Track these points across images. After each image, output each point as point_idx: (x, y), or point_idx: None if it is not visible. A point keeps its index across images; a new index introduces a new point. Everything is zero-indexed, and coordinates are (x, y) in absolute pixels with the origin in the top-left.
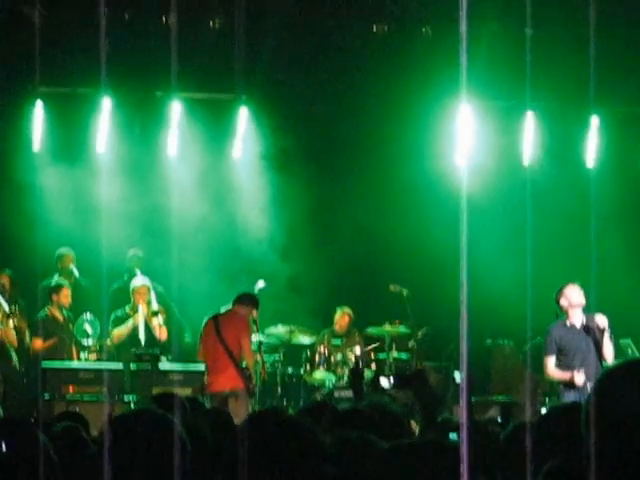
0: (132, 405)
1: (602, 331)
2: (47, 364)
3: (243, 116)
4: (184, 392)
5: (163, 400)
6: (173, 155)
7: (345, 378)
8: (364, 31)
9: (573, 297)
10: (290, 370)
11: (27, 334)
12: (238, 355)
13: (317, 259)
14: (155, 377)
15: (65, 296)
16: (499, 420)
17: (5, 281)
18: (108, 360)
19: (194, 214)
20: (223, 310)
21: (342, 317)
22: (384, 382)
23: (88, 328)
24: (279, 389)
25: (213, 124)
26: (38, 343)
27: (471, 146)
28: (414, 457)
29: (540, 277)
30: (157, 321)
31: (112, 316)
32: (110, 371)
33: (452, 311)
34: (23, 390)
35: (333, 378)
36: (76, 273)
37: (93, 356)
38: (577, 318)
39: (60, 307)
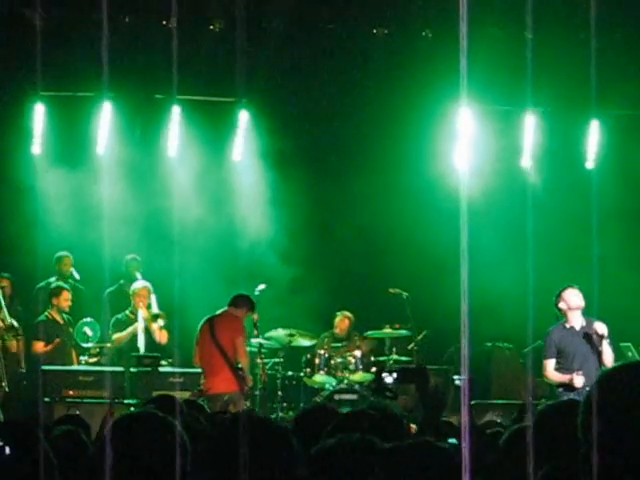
0: (132, 408)
1: (601, 338)
2: (47, 367)
3: (243, 119)
4: (184, 395)
5: (163, 403)
6: (173, 158)
7: (345, 381)
8: (364, 34)
9: (572, 300)
10: (290, 373)
11: (21, 340)
12: (233, 356)
13: (317, 262)
14: (155, 380)
15: (65, 300)
16: (499, 421)
17: (6, 284)
18: (108, 363)
19: (194, 217)
20: (218, 312)
21: (342, 320)
22: (387, 377)
23: (88, 331)
24: (279, 392)
25: (213, 127)
26: (39, 346)
27: (471, 149)
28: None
29: (541, 280)
30: (157, 325)
31: (113, 319)
32: (110, 374)
33: (452, 314)
34: (23, 393)
35: (333, 381)
36: (76, 276)
37: (93, 359)
38: (577, 321)
39: (60, 310)
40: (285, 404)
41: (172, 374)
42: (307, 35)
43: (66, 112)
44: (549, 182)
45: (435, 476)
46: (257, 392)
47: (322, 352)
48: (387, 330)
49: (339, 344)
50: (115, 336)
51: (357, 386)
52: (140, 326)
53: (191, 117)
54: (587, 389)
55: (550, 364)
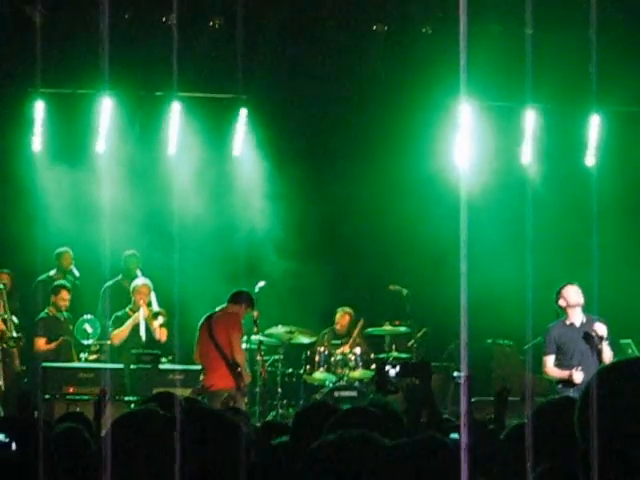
0: (132, 405)
1: (601, 339)
2: (47, 364)
3: (243, 115)
4: (185, 392)
5: (163, 400)
6: (173, 155)
7: (345, 378)
8: (364, 31)
9: (571, 297)
10: (290, 370)
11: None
12: (230, 353)
13: (317, 258)
14: (155, 377)
15: (62, 299)
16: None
17: (6, 280)
18: (109, 360)
19: (194, 213)
20: (218, 309)
21: (343, 317)
22: (390, 370)
23: (88, 328)
24: (279, 389)
25: (213, 123)
26: (41, 343)
27: (471, 146)
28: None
29: (541, 277)
30: (157, 323)
31: (112, 317)
32: (110, 371)
33: (452, 311)
34: (23, 389)
35: (333, 378)
36: (76, 274)
37: (93, 356)
38: (577, 318)
39: (58, 308)
40: (285, 401)
41: (172, 371)
42: (307, 32)
43: (66, 109)
44: (549, 178)
45: (442, 472)
46: (257, 389)
47: (322, 349)
48: (387, 327)
49: (339, 341)
50: (115, 332)
51: (357, 383)
52: (140, 323)
53: (191, 114)
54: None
55: (550, 360)
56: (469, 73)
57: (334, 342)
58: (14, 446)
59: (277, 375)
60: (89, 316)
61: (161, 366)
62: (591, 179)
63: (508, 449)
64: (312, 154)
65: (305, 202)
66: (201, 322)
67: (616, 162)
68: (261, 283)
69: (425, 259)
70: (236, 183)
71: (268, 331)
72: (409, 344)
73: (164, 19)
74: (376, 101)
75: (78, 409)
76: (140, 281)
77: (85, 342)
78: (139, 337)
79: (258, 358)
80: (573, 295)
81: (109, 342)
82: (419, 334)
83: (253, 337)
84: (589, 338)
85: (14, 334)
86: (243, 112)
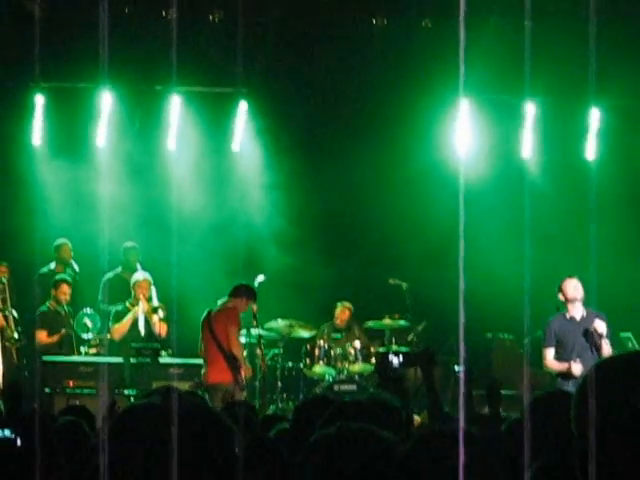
0: (132, 399)
1: (600, 336)
2: (47, 358)
3: (243, 109)
4: (185, 386)
5: (165, 394)
6: (173, 148)
7: (345, 372)
8: (364, 24)
9: (568, 291)
10: (290, 364)
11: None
12: (228, 347)
13: (317, 252)
14: (155, 371)
15: (63, 292)
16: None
17: (4, 271)
18: (108, 354)
19: (193, 207)
20: (219, 302)
21: (343, 312)
22: (393, 360)
23: (88, 322)
24: (279, 383)
25: (213, 117)
26: (43, 335)
27: (470, 138)
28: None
29: (540, 270)
30: (157, 317)
31: (112, 312)
32: (110, 365)
33: (452, 304)
34: (23, 384)
35: (333, 372)
36: (76, 268)
37: (93, 350)
38: (577, 312)
39: (58, 302)
40: (285, 395)
41: (171, 365)
42: (306, 25)
43: (66, 103)
44: (548, 172)
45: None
46: (256, 383)
47: (322, 343)
48: (387, 321)
49: (339, 335)
50: (115, 327)
51: (357, 377)
52: (140, 317)
53: (191, 107)
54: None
55: (549, 353)
56: (468, 66)
57: (334, 336)
58: (19, 442)
59: (277, 369)
60: (89, 310)
61: (161, 360)
62: (590, 172)
63: (508, 442)
64: (312, 147)
65: (305, 196)
66: (203, 316)
67: (615, 155)
68: (260, 277)
69: (425, 253)
70: (236, 176)
71: (268, 325)
72: (409, 338)
73: (164, 13)
74: (376, 95)
75: (78, 403)
76: (140, 275)
77: (85, 336)
78: (138, 331)
79: (258, 352)
80: (570, 290)
81: (109, 336)
82: (419, 328)
83: (252, 331)
84: (589, 335)
85: (15, 335)
86: (243, 105)
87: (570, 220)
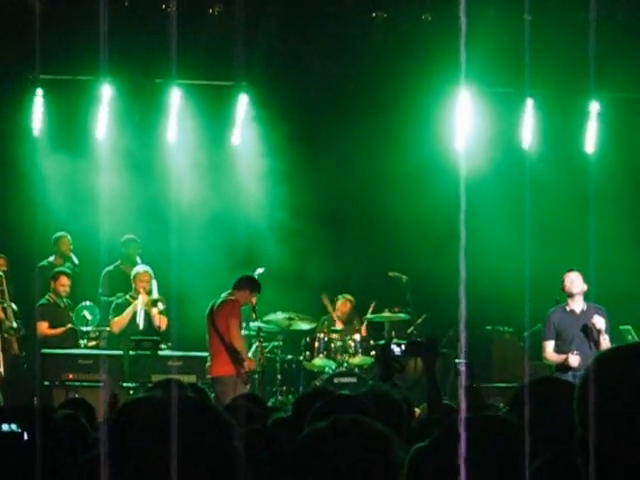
0: (131, 392)
1: (599, 332)
2: (46, 350)
3: (243, 103)
4: (183, 379)
5: (168, 387)
6: (173, 141)
7: (345, 364)
8: (364, 18)
9: (567, 285)
10: (289, 357)
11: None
12: (229, 340)
13: (317, 245)
14: (154, 363)
15: (61, 284)
16: (500, 405)
17: (2, 264)
18: (108, 347)
19: (193, 200)
20: (223, 295)
21: (344, 304)
22: (395, 349)
23: (87, 315)
24: (278, 376)
25: (213, 111)
26: (44, 327)
27: (470, 132)
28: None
29: (540, 263)
30: (157, 310)
31: (112, 304)
32: (109, 357)
33: (451, 297)
34: (22, 376)
35: (333, 365)
36: (75, 261)
37: (92, 343)
38: (577, 305)
39: (58, 295)
40: (284, 388)
41: (171, 358)
42: (306, 19)
43: (65, 96)
44: (548, 164)
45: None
46: (256, 376)
47: (321, 335)
48: (386, 314)
49: (339, 328)
50: (115, 320)
51: (357, 369)
52: (139, 310)
53: (191, 101)
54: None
55: (549, 345)
56: (468, 59)
57: (333, 329)
58: (26, 436)
59: (276, 362)
60: (88, 303)
61: (160, 352)
62: (590, 164)
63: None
64: (311, 141)
65: (305, 188)
66: (207, 310)
67: (615, 148)
68: (260, 270)
69: (425, 245)
70: (236, 170)
71: (267, 317)
72: (409, 331)
73: (164, 6)
74: (376, 88)
75: (77, 395)
76: (141, 268)
77: (84, 329)
78: (137, 324)
79: (257, 344)
80: (568, 283)
81: (108, 329)
82: (419, 320)
83: (252, 324)
84: (587, 330)
85: (13, 324)
86: (243, 99)
87: (570, 212)
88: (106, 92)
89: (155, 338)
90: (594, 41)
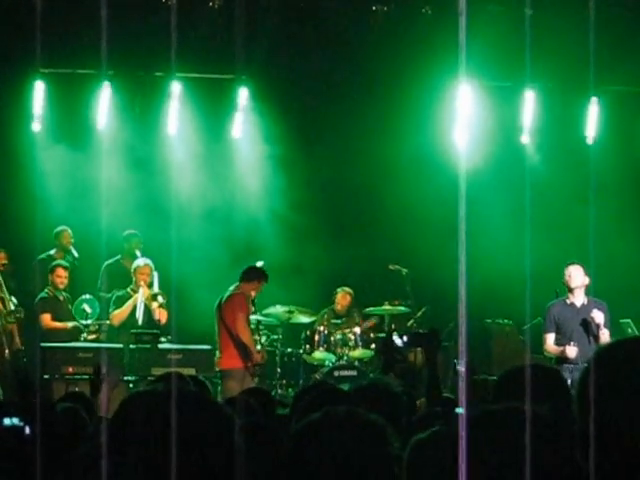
0: (131, 385)
1: (598, 326)
2: (46, 344)
3: (243, 96)
4: (189, 372)
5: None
6: (173, 135)
7: (345, 357)
8: (364, 11)
9: (566, 278)
10: (289, 350)
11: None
12: (237, 333)
13: (317, 238)
14: (154, 357)
15: (58, 276)
16: None
17: (2, 257)
18: (107, 340)
19: (194, 194)
20: (231, 288)
21: (344, 297)
22: (397, 340)
23: (87, 308)
24: (278, 369)
25: (213, 104)
26: (47, 318)
27: (470, 125)
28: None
29: (540, 256)
30: (157, 303)
31: (113, 297)
32: (109, 350)
33: (451, 290)
34: (22, 370)
35: (333, 358)
36: (75, 254)
37: (92, 336)
38: (578, 298)
39: (56, 287)
40: (284, 381)
41: (171, 351)
42: (306, 12)
43: (66, 89)
44: (548, 158)
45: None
46: (256, 369)
47: (321, 329)
48: (386, 307)
49: (339, 320)
50: (115, 313)
51: (357, 362)
52: (139, 303)
53: (191, 94)
54: (584, 364)
55: (550, 338)
56: (468, 53)
57: (334, 322)
58: (28, 430)
59: (276, 355)
60: (88, 296)
61: (160, 346)
62: (590, 157)
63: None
64: (312, 134)
65: (305, 181)
66: (215, 303)
67: (615, 142)
68: (260, 263)
69: (425, 239)
70: (236, 163)
71: (267, 311)
72: (408, 324)
73: None
74: (375, 81)
75: (77, 389)
76: (142, 261)
77: (84, 322)
78: (136, 318)
79: (256, 337)
80: (567, 277)
81: (108, 322)
82: (419, 314)
83: (251, 317)
84: (587, 324)
85: (12, 307)
86: (243, 92)
87: (570, 205)
88: (106, 85)
89: (155, 331)
90: (594, 35)
